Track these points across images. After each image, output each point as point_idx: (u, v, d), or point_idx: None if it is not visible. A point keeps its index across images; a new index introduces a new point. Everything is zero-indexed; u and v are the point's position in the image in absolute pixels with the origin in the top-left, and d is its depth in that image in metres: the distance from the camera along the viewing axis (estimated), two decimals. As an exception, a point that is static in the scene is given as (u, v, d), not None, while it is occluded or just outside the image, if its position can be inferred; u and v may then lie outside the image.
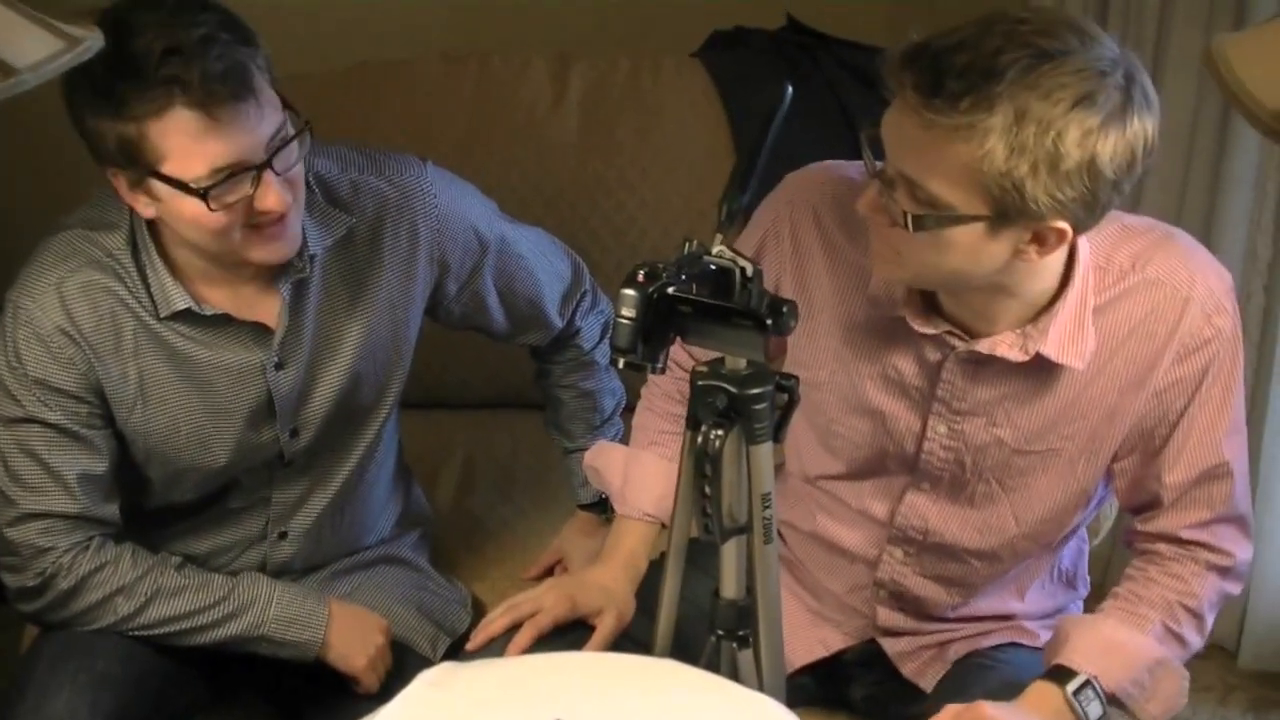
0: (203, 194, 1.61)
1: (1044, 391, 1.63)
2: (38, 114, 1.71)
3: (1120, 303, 1.59)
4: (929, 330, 1.60)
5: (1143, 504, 1.70)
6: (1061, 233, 1.48)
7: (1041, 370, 1.61)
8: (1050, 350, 1.57)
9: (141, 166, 1.63)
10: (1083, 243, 1.57)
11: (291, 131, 1.68)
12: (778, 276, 1.72)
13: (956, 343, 1.60)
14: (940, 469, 1.70)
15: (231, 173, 1.62)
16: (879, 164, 1.50)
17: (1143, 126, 1.44)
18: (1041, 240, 1.48)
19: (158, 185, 1.64)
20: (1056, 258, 1.55)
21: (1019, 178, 1.41)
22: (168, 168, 1.62)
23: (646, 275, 1.40)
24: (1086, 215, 1.47)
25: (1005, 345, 1.59)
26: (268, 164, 1.64)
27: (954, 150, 1.42)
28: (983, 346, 1.59)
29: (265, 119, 1.63)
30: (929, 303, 1.61)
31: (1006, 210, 1.44)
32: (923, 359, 1.64)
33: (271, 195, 1.64)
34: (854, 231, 1.64)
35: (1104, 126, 1.41)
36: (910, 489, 1.73)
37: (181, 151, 1.60)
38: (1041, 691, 1.61)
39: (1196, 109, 2.46)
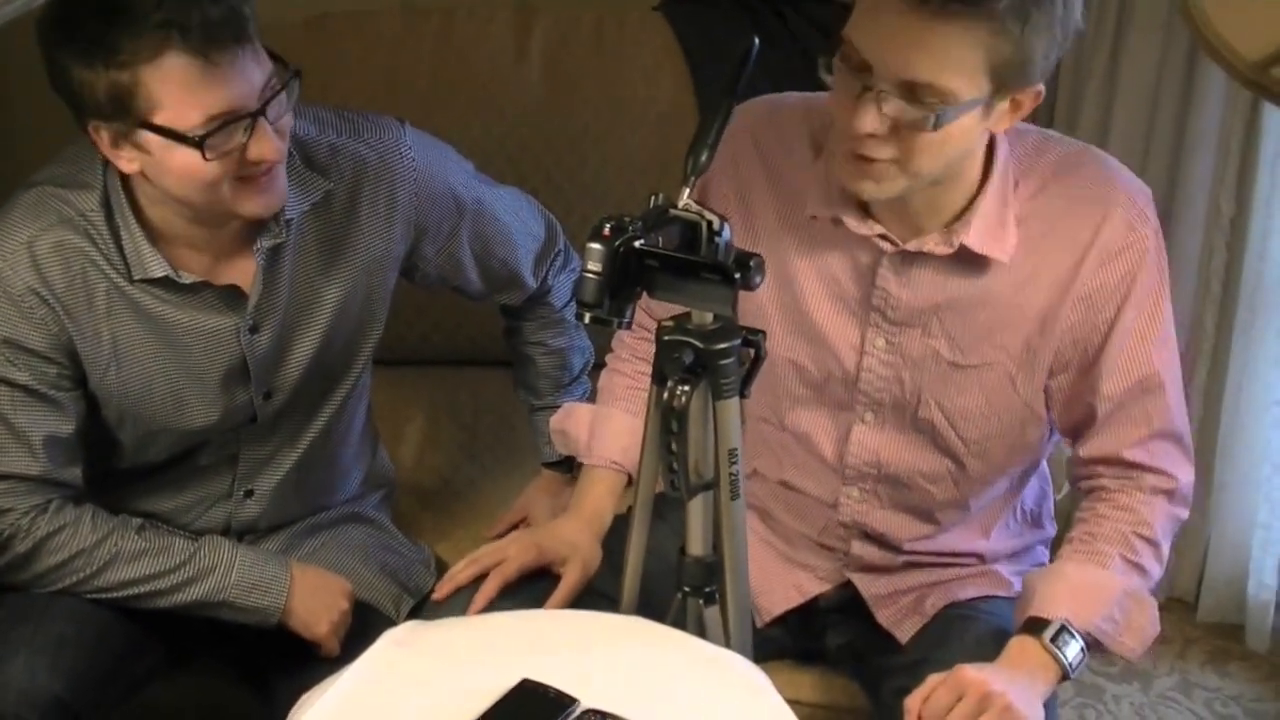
0: (199, 143, 1.60)
1: (975, 301, 1.67)
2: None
3: (1044, 209, 1.65)
4: (865, 231, 1.65)
5: (1078, 423, 1.72)
6: (1038, 94, 1.55)
7: (970, 274, 1.66)
8: (972, 241, 1.63)
9: (132, 117, 1.61)
10: (1001, 141, 1.64)
11: (280, 81, 1.66)
12: (723, 207, 1.74)
13: (887, 246, 1.66)
14: (881, 390, 1.72)
15: (226, 121, 1.61)
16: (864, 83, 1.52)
17: None
18: (1018, 105, 1.56)
19: (148, 138, 1.62)
20: (982, 143, 1.61)
21: (1031, 44, 1.49)
22: (161, 117, 1.60)
23: (613, 229, 1.39)
24: (1049, 69, 1.55)
25: (932, 242, 1.64)
26: (261, 111, 1.62)
27: (970, 36, 1.47)
28: (911, 246, 1.65)
29: (260, 66, 1.63)
30: (863, 208, 1.66)
31: (1004, 81, 1.51)
32: (857, 264, 1.69)
33: (266, 144, 1.63)
34: (790, 147, 1.69)
35: None
36: (855, 423, 1.75)
37: (175, 100, 1.59)
38: (1021, 646, 1.63)
39: (1160, 67, 2.46)
